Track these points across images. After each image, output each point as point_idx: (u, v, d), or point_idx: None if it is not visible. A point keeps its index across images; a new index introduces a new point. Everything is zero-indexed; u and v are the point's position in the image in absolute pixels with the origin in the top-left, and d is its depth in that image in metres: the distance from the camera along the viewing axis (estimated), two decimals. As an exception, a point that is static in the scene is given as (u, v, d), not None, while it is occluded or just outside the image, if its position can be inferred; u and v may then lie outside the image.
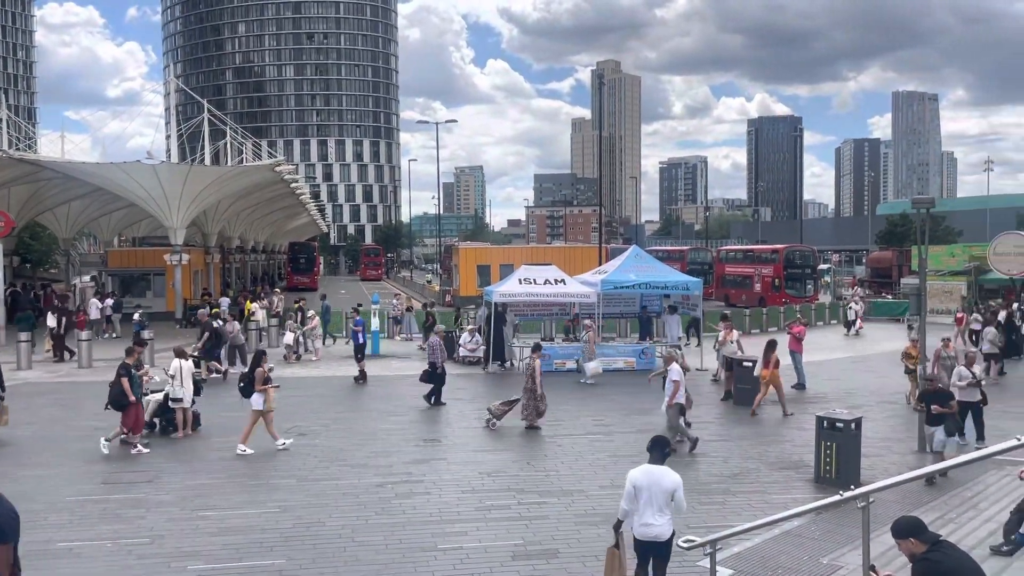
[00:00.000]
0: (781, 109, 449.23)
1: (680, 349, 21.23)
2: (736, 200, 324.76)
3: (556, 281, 23.77)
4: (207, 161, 49.53)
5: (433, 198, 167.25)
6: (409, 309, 31.95)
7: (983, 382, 14.31)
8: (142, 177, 33.54)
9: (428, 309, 29.92)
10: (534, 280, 23.70)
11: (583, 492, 11.35)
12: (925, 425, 12.37)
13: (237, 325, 23.75)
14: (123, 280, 39.29)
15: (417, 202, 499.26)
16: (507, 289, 23.72)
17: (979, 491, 10.84)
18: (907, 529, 5.31)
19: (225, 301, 34.11)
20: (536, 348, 16.50)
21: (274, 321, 29.42)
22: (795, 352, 20.40)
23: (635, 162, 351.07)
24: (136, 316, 27.50)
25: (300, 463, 12.90)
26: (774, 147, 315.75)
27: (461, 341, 24.51)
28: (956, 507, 10.13)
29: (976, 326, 27.31)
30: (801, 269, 46.52)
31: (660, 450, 7.21)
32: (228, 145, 55.04)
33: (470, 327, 25.67)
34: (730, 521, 9.44)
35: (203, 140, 49.21)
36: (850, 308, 34.15)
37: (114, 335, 30.17)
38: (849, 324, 33.19)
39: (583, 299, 23.90)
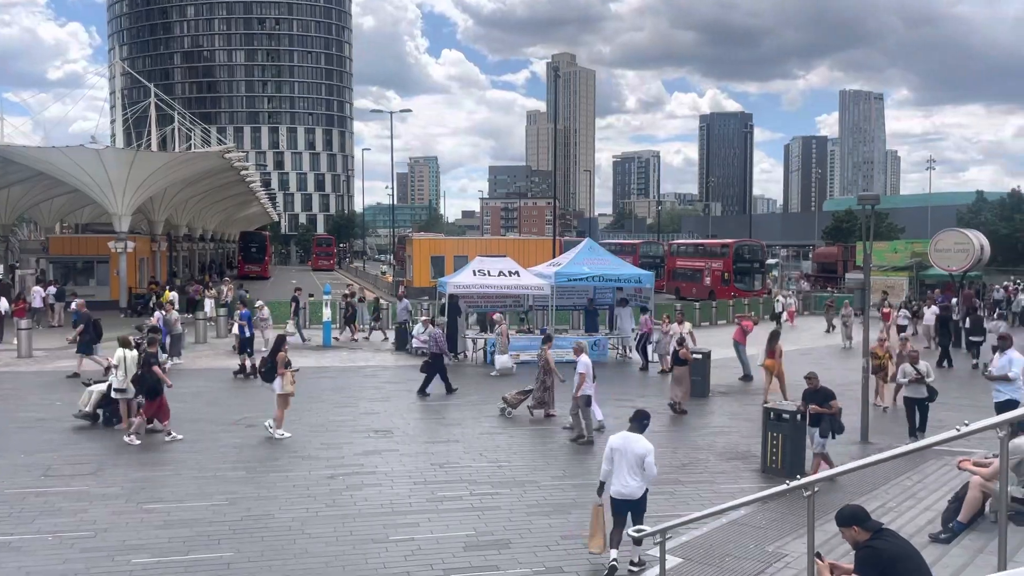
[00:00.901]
0: (732, 105, 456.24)
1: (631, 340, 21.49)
2: (688, 195, 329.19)
3: (510, 273, 23.78)
4: (154, 147, 48.40)
5: (387, 188, 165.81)
6: (362, 300, 31.65)
7: (930, 378, 14.56)
8: (86, 162, 32.62)
9: (349, 300, 28.65)
10: (488, 272, 23.68)
11: (535, 483, 11.40)
12: (808, 426, 11.73)
13: (176, 315, 23.23)
14: (65, 268, 38.20)
15: (370, 192, 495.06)
16: (461, 280, 23.66)
17: (918, 480, 11.16)
18: (851, 517, 5.46)
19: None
20: (547, 339, 16.57)
21: (223, 311, 28.89)
22: (739, 344, 20.78)
23: (589, 155, 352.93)
24: (73, 305, 26.75)
25: (249, 455, 12.72)
26: (725, 143, 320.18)
27: (414, 332, 24.37)
28: (897, 496, 10.42)
29: (903, 321, 28.09)
30: (750, 263, 47.31)
31: (638, 421, 8.46)
32: (176, 131, 53.85)
33: (423, 318, 25.55)
34: (679, 511, 9.58)
35: (150, 125, 48.05)
36: (777, 301, 34.83)
37: (57, 324, 29.35)
38: (776, 316, 33.53)
39: (537, 291, 23.96)
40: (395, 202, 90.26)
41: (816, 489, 6.02)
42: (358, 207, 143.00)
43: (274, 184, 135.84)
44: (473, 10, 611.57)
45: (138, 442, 13.33)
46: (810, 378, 12.19)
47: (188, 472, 11.73)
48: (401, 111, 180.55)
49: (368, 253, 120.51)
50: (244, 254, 72.91)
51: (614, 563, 8.04)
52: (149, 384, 13.65)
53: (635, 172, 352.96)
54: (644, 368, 22.24)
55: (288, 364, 13.97)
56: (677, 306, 31.26)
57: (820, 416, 11.56)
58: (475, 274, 23.65)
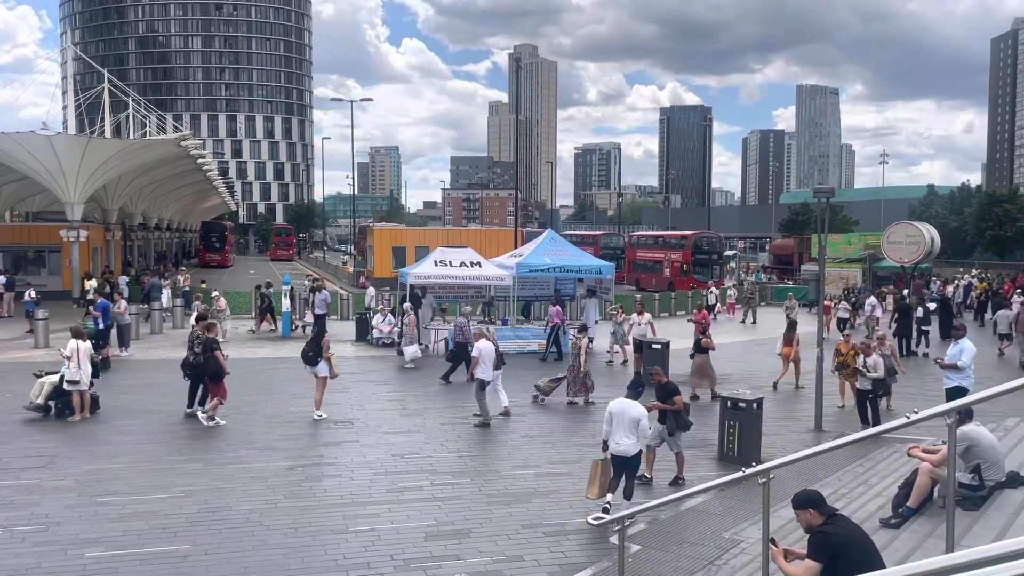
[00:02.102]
0: (692, 98, 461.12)
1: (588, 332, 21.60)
2: (648, 187, 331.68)
3: (472, 264, 23.76)
4: (107, 134, 47.36)
5: (347, 177, 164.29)
6: (319, 289, 31.33)
7: (875, 372, 14.69)
8: (36, 149, 31.76)
9: (264, 291, 27.71)
10: (450, 262, 23.62)
11: (496, 472, 11.44)
12: (656, 422, 11.03)
13: (125, 304, 22.78)
14: (16, 257, 37.23)
15: (331, 181, 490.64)
16: (423, 271, 23.58)
17: (870, 467, 11.42)
18: (807, 501, 5.58)
19: (124, 279, 32.82)
20: (583, 329, 16.97)
21: (179, 301, 28.42)
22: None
23: (551, 147, 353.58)
24: (29, 295, 26.13)
25: (206, 446, 12.56)
26: (684, 136, 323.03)
27: (374, 323, 24.24)
28: (849, 483, 10.65)
29: (844, 314, 28.21)
30: (708, 255, 47.88)
31: (634, 388, 9.85)
32: (131, 118, 52.71)
33: (382, 307, 25.44)
34: (639, 499, 9.68)
35: (103, 112, 47.00)
36: (711, 293, 34.95)
37: (7, 314, 28.63)
38: (709, 308, 32.57)
39: (499, 282, 23.97)
40: (356, 192, 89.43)
41: (772, 476, 6.14)
42: (318, 197, 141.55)
43: (232, 173, 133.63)
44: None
45: (223, 423, 13.83)
46: (654, 372, 11.42)
47: (143, 464, 11.54)
48: (362, 100, 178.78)
49: (328, 243, 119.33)
50: (205, 243, 74.64)
51: (607, 504, 9.41)
52: (212, 369, 14.11)
53: (596, 164, 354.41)
54: (559, 358, 21.59)
55: (328, 347, 14.76)
56: (637, 297, 31.48)
57: (666, 413, 10.87)
58: (436, 265, 23.58)
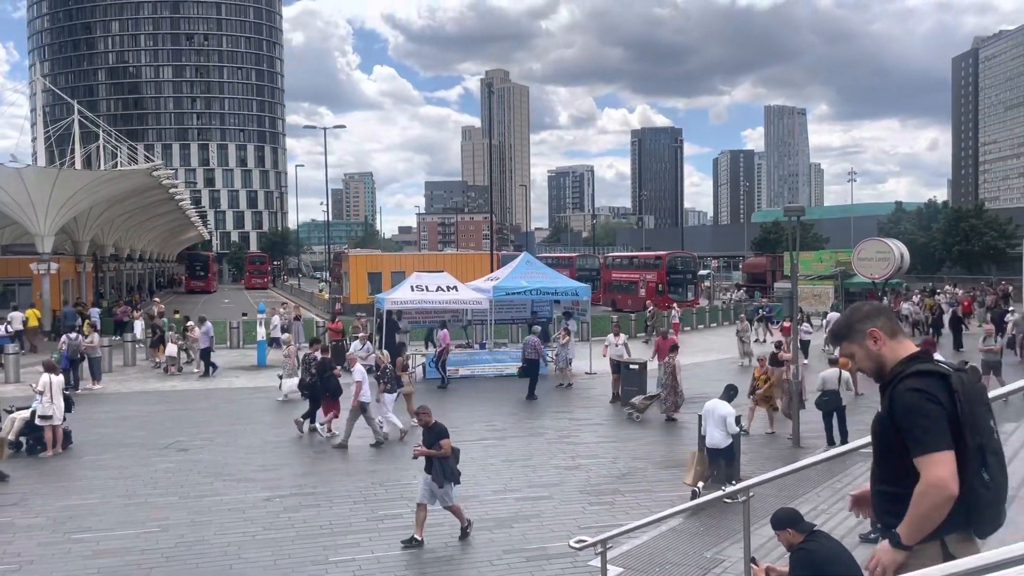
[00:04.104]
0: (662, 120, 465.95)
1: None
2: (621, 208, 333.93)
3: (448, 288, 23.75)
4: (78, 165, 46.96)
5: (321, 204, 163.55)
6: (297, 318, 31.15)
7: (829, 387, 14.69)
8: (5, 181, 31.42)
9: (156, 321, 27.05)
10: (426, 287, 23.60)
11: (476, 498, 11.37)
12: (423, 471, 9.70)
13: (98, 338, 22.45)
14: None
15: (305, 209, 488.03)
16: (399, 296, 23.53)
17: (848, 482, 11.50)
18: (785, 520, 5.61)
19: (95, 311, 32.38)
20: (674, 348, 17.43)
21: (171, 334, 27.97)
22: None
23: (524, 170, 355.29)
24: (4, 329, 25.71)
25: (182, 480, 12.38)
26: (656, 157, 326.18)
27: (351, 349, 24.07)
28: (828, 499, 10.72)
29: (806, 336, 25.17)
30: (683, 274, 48.18)
31: (727, 392, 11.68)
32: (101, 148, 52.31)
33: (361, 335, 25.28)
34: (620, 520, 9.67)
35: (73, 143, 46.63)
36: (649, 312, 33.63)
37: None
38: (649, 328, 32.20)
39: (475, 306, 23.98)
40: (330, 218, 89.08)
41: (751, 494, 6.17)
42: (292, 224, 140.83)
43: (205, 202, 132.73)
44: (403, 26, 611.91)
45: (337, 435, 14.83)
46: (421, 412, 10.28)
47: (117, 499, 11.35)
48: (335, 127, 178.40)
49: (303, 270, 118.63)
50: (190, 272, 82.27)
51: (695, 489, 10.77)
52: (332, 386, 15.50)
53: (570, 186, 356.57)
54: (443, 386, 20.92)
55: (405, 368, 16.31)
56: (613, 318, 31.60)
57: (432, 460, 9.49)
58: (413, 290, 23.54)
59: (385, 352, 17.82)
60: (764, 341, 27.85)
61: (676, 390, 16.57)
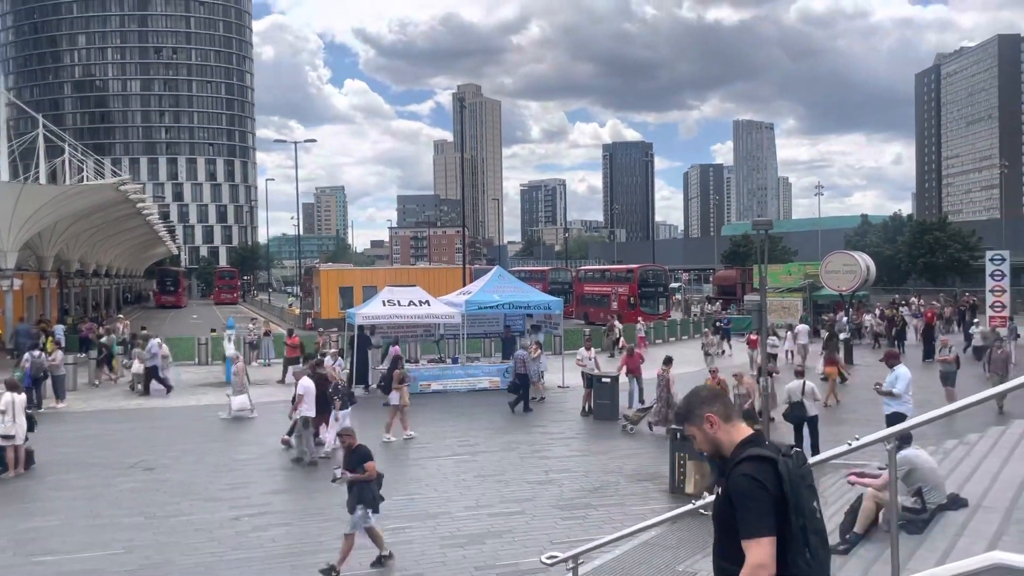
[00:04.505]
0: (632, 135, 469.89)
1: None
2: (593, 222, 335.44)
3: (420, 303, 23.66)
4: (43, 179, 46.26)
5: (292, 218, 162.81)
6: (267, 334, 30.89)
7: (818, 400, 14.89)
8: (-34, 196, 30.84)
9: (103, 339, 26.22)
10: (398, 302, 23.48)
11: (448, 514, 11.30)
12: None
13: (62, 355, 22.02)
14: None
15: (275, 223, 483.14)
16: (370, 311, 23.39)
17: (819, 493, 11.59)
18: (753, 533, 5.63)
19: (60, 328, 31.85)
20: (667, 361, 17.19)
21: (119, 349, 27.62)
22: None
23: (497, 184, 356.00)
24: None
25: (148, 499, 12.15)
26: (627, 171, 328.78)
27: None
28: (797, 509, 10.79)
29: (773, 350, 24.92)
30: (654, 287, 48.50)
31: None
32: (67, 163, 51.51)
33: (332, 351, 25.09)
34: (592, 535, 9.65)
35: (38, 157, 45.97)
36: (614, 328, 33.85)
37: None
38: (614, 343, 32.07)
39: (448, 320, 23.91)
40: (301, 232, 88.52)
41: (721, 507, 6.18)
42: (262, 239, 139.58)
43: (173, 216, 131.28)
44: (374, 40, 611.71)
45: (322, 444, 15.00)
46: (344, 434, 9.69)
47: (81, 520, 11.12)
48: (305, 141, 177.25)
49: (274, 285, 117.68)
50: (160, 287, 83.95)
51: (694, 501, 10.92)
52: (324, 403, 15.15)
53: (542, 200, 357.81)
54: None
55: (404, 380, 16.39)
56: (586, 331, 31.70)
57: (353, 484, 9.08)
58: (384, 304, 23.42)
59: (337, 368, 17.69)
60: (725, 353, 27.86)
61: (669, 403, 16.40)
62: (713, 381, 15.47)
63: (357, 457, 9.24)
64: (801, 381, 14.62)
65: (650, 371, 20.84)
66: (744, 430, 3.23)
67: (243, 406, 18.80)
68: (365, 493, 9.05)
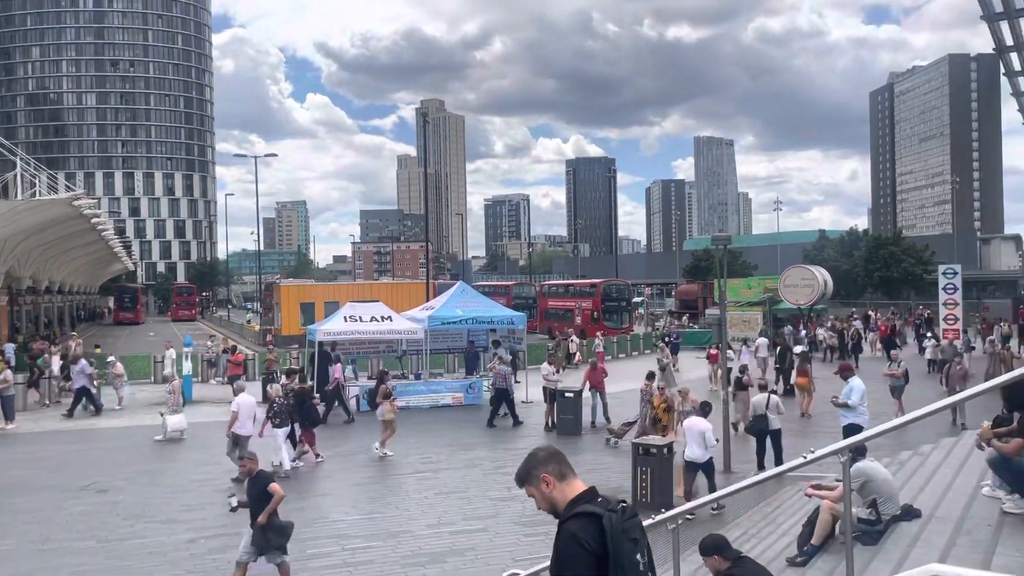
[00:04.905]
0: (595, 150, 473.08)
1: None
2: (557, 236, 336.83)
3: (383, 318, 23.51)
4: (-7, 194, 45.16)
5: (252, 233, 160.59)
6: (226, 351, 30.39)
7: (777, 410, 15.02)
8: (-88, 211, 29.97)
9: (34, 355, 25.77)
10: (360, 318, 23.31)
11: (409, 533, 11.18)
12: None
13: (11, 375, 21.39)
14: None
15: (236, 238, 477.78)
16: (332, 327, 23.16)
17: (777, 506, 11.71)
18: (713, 547, 5.69)
19: (10, 347, 30.98)
20: (650, 376, 17.37)
21: (57, 370, 26.85)
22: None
23: (460, 199, 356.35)
24: None
25: (100, 522, 11.84)
26: (590, 187, 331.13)
27: (283, 382, 23.53)
28: (757, 523, 10.88)
29: (728, 363, 26.55)
30: (617, 302, 48.77)
31: (702, 409, 12.71)
32: (19, 177, 50.33)
33: (294, 367, 24.77)
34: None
35: (-12, 171, 44.91)
36: (571, 341, 34.33)
37: None
38: (569, 357, 32.60)
39: (410, 336, 23.77)
40: (262, 248, 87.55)
41: (680, 522, 6.21)
42: (222, 254, 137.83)
43: (130, 231, 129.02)
44: (336, 55, 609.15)
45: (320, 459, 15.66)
46: (246, 459, 9.26)
47: (30, 545, 10.79)
48: (266, 155, 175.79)
49: (233, 302, 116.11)
50: (119, 304, 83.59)
51: (679, 497, 11.67)
52: (312, 416, 15.79)
53: (506, 215, 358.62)
54: (349, 421, 20.60)
55: (389, 395, 16.40)
56: (549, 346, 31.76)
57: (259, 512, 8.59)
58: (346, 320, 23.22)
59: (275, 386, 17.47)
60: (672, 367, 27.75)
61: (648, 418, 16.48)
62: (660, 398, 15.32)
63: (259, 484, 8.72)
64: (766, 394, 14.77)
65: (613, 386, 20.99)
66: (578, 487, 3.32)
67: (179, 426, 18.41)
68: (266, 541, 8.50)
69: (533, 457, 3.39)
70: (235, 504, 8.84)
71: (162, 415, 18.93)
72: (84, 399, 22.13)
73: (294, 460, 15.34)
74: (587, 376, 20.29)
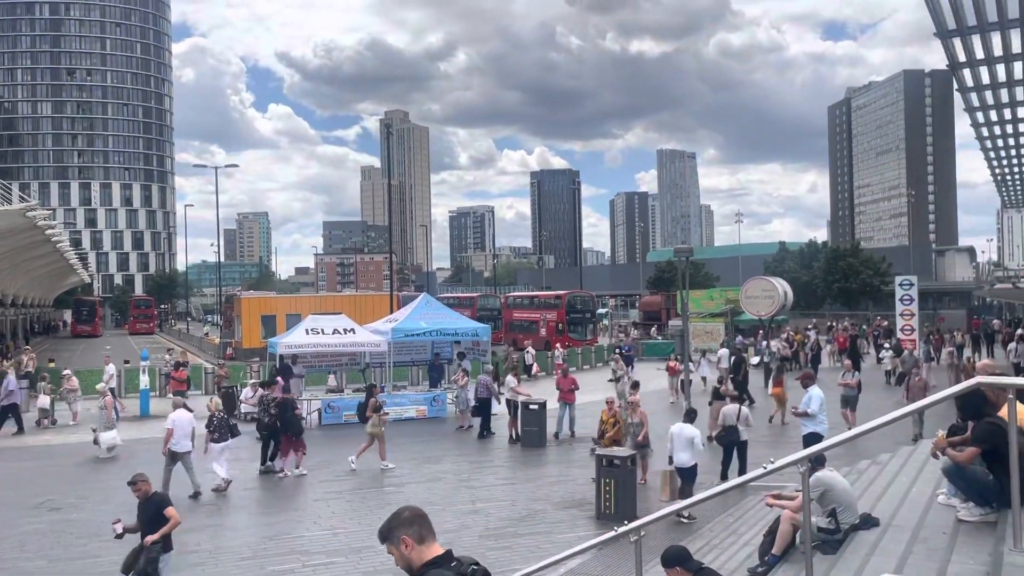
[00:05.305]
0: (559, 163, 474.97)
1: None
2: (522, 248, 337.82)
3: (345, 331, 23.33)
4: (-57, 204, 44.03)
5: (213, 245, 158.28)
6: (185, 364, 29.87)
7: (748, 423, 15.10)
8: None
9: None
10: (322, 330, 23.10)
11: (372, 548, 11.04)
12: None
13: None
14: None
15: (195, 249, 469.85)
16: (293, 340, 22.92)
17: (739, 516, 11.80)
18: (675, 558, 5.70)
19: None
20: (635, 385, 17.62)
21: (24, 383, 26.27)
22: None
23: (425, 210, 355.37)
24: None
25: (54, 541, 11.55)
26: (555, 198, 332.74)
27: (243, 396, 23.22)
28: (719, 533, 10.95)
29: (691, 376, 24.63)
30: (582, 314, 48.95)
31: (688, 415, 12.90)
32: (-30, 187, 49.16)
33: (252, 381, 24.43)
34: (518, 565, 9.58)
35: (-62, 181, 43.85)
36: (528, 353, 34.70)
37: None
38: (527, 368, 33.02)
39: (373, 348, 23.61)
40: (222, 259, 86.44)
41: (643, 534, 6.23)
42: (181, 266, 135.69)
43: (86, 243, 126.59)
44: (299, 65, 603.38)
45: (306, 473, 15.53)
46: (138, 481, 8.83)
47: (-22, 567, 10.47)
48: (227, 166, 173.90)
49: (193, 314, 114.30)
50: (76, 317, 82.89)
51: (664, 502, 12.33)
52: (294, 426, 15.75)
53: (471, 227, 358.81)
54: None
55: (379, 408, 16.38)
56: (514, 357, 31.74)
57: (150, 533, 8.44)
58: (308, 333, 23.00)
59: (215, 399, 17.13)
60: (625, 379, 27.85)
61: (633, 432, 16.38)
62: (609, 412, 15.23)
63: (152, 506, 8.45)
64: (736, 406, 14.91)
65: (582, 397, 21.02)
66: (435, 551, 3.40)
67: (112, 442, 18.01)
68: (138, 559, 8.11)
69: (397, 517, 3.46)
70: (120, 531, 8.44)
71: (94, 431, 18.51)
72: (10, 416, 21.34)
73: (296, 468, 15.63)
74: (558, 382, 20.56)
